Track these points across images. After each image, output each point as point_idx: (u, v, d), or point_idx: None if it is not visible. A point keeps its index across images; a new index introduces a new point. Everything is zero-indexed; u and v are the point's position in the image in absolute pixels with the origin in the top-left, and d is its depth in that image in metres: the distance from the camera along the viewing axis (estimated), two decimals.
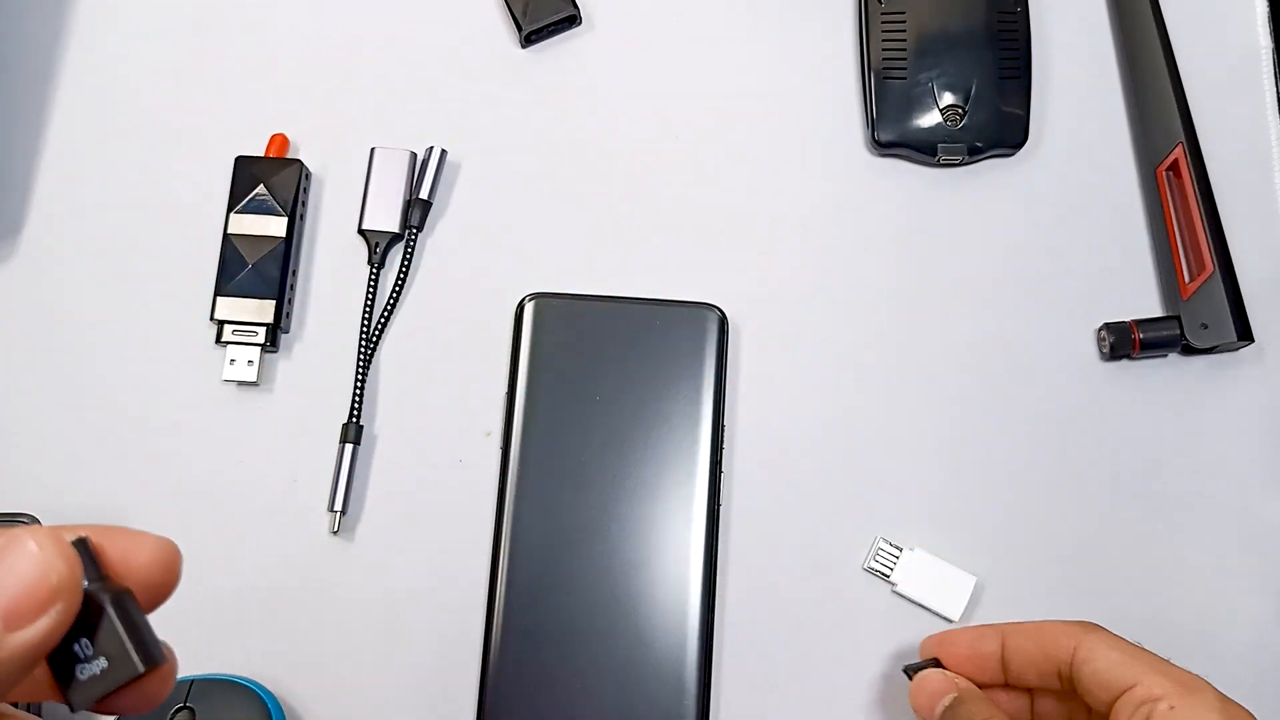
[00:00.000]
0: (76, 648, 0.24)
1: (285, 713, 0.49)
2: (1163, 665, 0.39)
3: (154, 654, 0.24)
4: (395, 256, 0.56)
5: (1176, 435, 0.54)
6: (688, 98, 0.59)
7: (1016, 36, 0.57)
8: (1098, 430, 0.54)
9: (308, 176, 0.57)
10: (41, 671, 0.25)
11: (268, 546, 0.53)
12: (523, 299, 0.54)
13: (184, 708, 0.47)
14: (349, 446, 0.53)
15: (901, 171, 0.58)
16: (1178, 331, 0.53)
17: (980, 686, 0.44)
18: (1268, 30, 0.60)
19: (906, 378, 0.55)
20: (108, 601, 0.24)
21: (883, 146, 0.57)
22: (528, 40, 0.59)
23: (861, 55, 0.58)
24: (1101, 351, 0.55)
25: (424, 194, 0.56)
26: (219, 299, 0.54)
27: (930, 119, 0.56)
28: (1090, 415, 0.54)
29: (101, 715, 0.25)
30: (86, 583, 0.24)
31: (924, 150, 0.56)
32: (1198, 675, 0.39)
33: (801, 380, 0.55)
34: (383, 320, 0.55)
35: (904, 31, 0.57)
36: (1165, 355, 0.55)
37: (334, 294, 0.56)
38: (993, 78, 0.57)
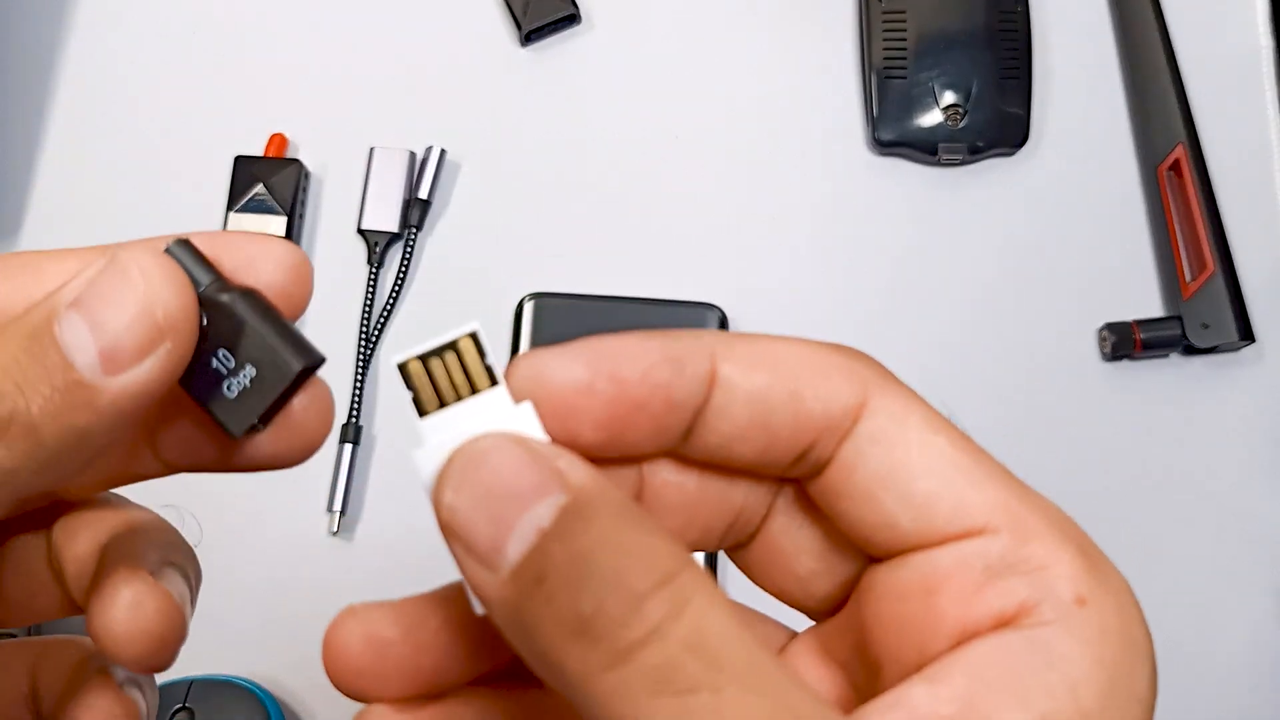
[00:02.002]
0: (215, 363, 0.20)
1: (285, 713, 0.49)
2: (1018, 488, 0.20)
3: (311, 349, 0.20)
4: (394, 256, 0.56)
5: (1177, 435, 0.54)
6: (688, 97, 0.59)
7: (1017, 36, 0.57)
8: (1098, 430, 0.54)
9: (307, 176, 0.57)
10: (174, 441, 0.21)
11: (268, 546, 0.52)
12: (523, 299, 0.54)
13: (183, 708, 0.47)
14: (348, 447, 0.53)
15: (902, 171, 0.58)
16: (1179, 331, 0.53)
17: (618, 460, 0.21)
18: (1268, 30, 0.60)
19: (907, 377, 0.55)
20: (236, 301, 0.20)
21: (883, 146, 0.57)
22: (527, 39, 0.59)
23: (862, 54, 0.58)
24: (1103, 351, 0.55)
25: (423, 194, 0.56)
26: None
27: (931, 118, 0.56)
28: (1091, 415, 0.54)
29: (254, 469, 0.21)
30: (201, 287, 0.20)
31: (925, 149, 0.56)
32: (1069, 517, 0.21)
33: None
34: (382, 320, 0.55)
35: (905, 31, 0.57)
36: (1166, 355, 0.55)
37: (333, 294, 0.56)
38: (993, 77, 0.57)
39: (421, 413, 0.19)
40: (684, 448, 0.20)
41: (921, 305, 0.56)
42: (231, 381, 0.20)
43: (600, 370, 0.19)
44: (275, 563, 0.52)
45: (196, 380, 0.20)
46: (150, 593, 0.21)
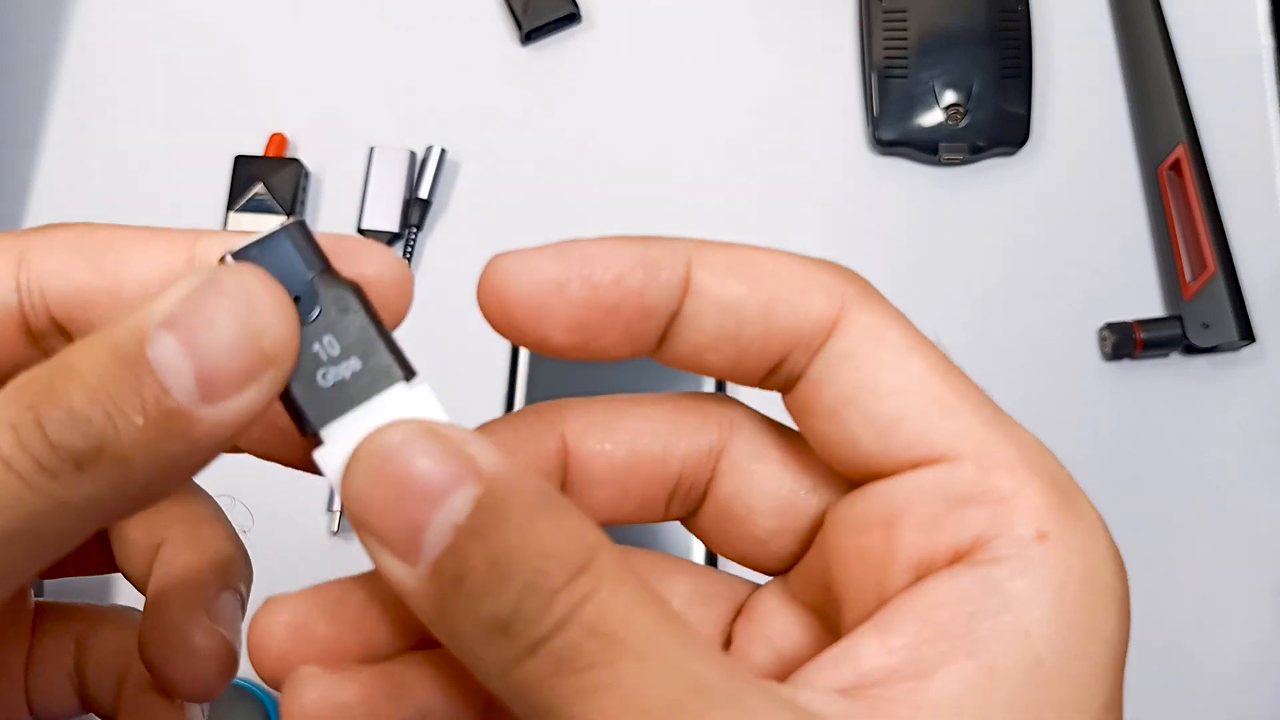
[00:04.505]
0: (317, 346, 0.18)
1: None
2: (993, 416, 0.18)
3: (409, 364, 0.19)
4: None
5: (1178, 435, 0.54)
6: (688, 97, 0.58)
7: (1018, 35, 0.57)
8: (1099, 430, 0.54)
9: (307, 176, 0.57)
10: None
11: (268, 547, 0.52)
12: None
13: None
14: None
15: (903, 170, 0.57)
16: (1180, 331, 0.53)
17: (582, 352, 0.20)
18: (1268, 30, 0.60)
19: None
20: (353, 292, 0.19)
21: (884, 145, 0.57)
22: (528, 38, 0.59)
23: (863, 54, 0.58)
24: (1103, 351, 0.55)
25: (423, 193, 0.56)
26: None
27: (932, 118, 0.56)
28: (1092, 415, 0.54)
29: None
30: (311, 273, 0.18)
31: (926, 149, 0.56)
32: (1047, 451, 0.19)
33: None
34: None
35: (905, 30, 0.57)
36: (1167, 355, 0.55)
37: None
38: (994, 76, 0.57)
39: None
40: (657, 354, 0.20)
41: (922, 305, 0.56)
42: (329, 370, 0.18)
43: (573, 272, 0.19)
44: (275, 563, 0.52)
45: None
46: (206, 637, 0.22)
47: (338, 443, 0.18)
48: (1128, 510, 0.53)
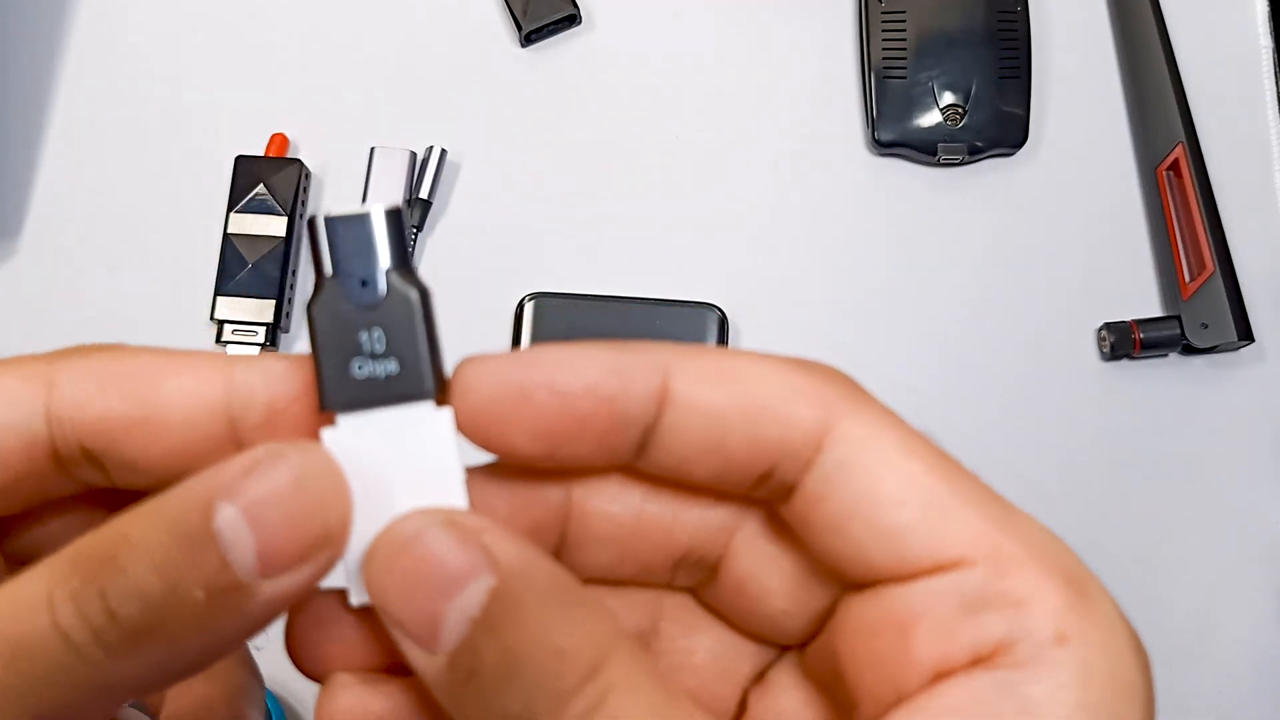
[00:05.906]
0: (364, 336, 0.18)
1: (286, 712, 0.49)
2: (1001, 514, 0.18)
3: (444, 382, 0.18)
4: None
5: (1177, 435, 0.54)
6: (688, 97, 0.59)
7: (1017, 36, 0.57)
8: (1098, 430, 0.54)
9: (307, 176, 0.57)
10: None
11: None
12: (523, 299, 0.54)
13: None
14: None
15: (901, 171, 0.58)
16: (1178, 331, 0.53)
17: (556, 475, 0.20)
18: (1268, 30, 0.60)
19: (906, 378, 0.55)
20: (416, 296, 0.18)
21: (883, 146, 0.57)
22: (527, 40, 0.59)
23: (862, 54, 0.58)
24: (1102, 351, 0.55)
25: (424, 193, 0.56)
26: (219, 299, 0.54)
27: (930, 118, 0.56)
28: (1090, 415, 0.54)
29: None
30: (389, 264, 0.18)
31: (924, 150, 0.56)
32: (1057, 541, 0.18)
33: None
34: None
35: (904, 31, 0.57)
36: (1166, 355, 0.55)
37: None
38: (993, 77, 0.57)
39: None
40: (637, 464, 0.19)
41: (921, 305, 0.56)
42: (365, 363, 0.18)
43: (538, 380, 0.18)
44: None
45: (332, 336, 0.18)
46: None
47: (347, 434, 0.18)
48: (1126, 511, 0.54)
